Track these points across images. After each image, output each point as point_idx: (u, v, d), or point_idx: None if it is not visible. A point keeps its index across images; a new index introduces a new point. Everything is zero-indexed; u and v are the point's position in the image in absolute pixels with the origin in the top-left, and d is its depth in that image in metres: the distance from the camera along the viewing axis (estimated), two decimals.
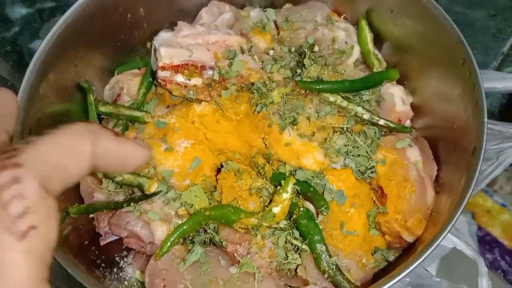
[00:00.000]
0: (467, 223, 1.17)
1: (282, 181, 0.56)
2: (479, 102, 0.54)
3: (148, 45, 0.71)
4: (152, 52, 0.68)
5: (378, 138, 0.63)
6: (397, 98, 0.65)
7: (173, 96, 0.67)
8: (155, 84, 0.70)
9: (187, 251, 0.57)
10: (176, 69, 0.61)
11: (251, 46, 0.65)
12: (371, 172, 0.60)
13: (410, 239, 0.58)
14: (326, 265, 0.52)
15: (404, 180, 0.58)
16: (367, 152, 0.61)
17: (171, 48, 0.61)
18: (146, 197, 0.58)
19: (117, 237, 0.62)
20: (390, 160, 0.60)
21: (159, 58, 0.61)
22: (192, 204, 0.59)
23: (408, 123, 0.67)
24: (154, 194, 0.58)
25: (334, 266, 0.52)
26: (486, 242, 0.87)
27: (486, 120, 0.53)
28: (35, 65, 0.57)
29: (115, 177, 0.61)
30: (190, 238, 0.59)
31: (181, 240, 0.57)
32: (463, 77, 0.57)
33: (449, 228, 0.50)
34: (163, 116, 0.64)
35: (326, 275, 0.52)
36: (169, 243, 0.56)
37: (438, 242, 0.50)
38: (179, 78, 0.62)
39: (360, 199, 0.58)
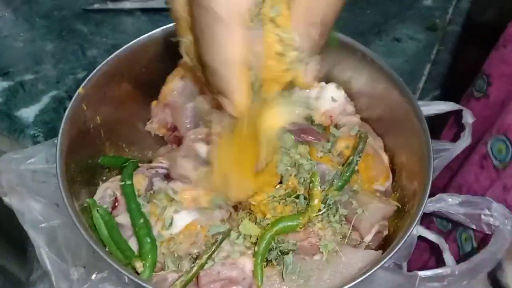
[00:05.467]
0: None
1: (313, 178, 0.72)
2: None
3: None
4: None
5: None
6: (325, 100, 0.83)
7: None
8: None
9: (273, 268, 0.68)
10: None
11: None
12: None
13: (383, 188, 0.80)
14: None
15: (366, 155, 0.80)
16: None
17: None
18: (221, 241, 0.67)
19: None
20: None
21: None
22: (251, 235, 0.70)
23: (350, 108, 0.90)
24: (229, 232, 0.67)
25: None
26: None
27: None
28: None
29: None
30: (268, 260, 0.69)
31: (264, 263, 0.68)
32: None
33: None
34: None
35: None
36: (259, 270, 0.66)
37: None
38: None
39: None
